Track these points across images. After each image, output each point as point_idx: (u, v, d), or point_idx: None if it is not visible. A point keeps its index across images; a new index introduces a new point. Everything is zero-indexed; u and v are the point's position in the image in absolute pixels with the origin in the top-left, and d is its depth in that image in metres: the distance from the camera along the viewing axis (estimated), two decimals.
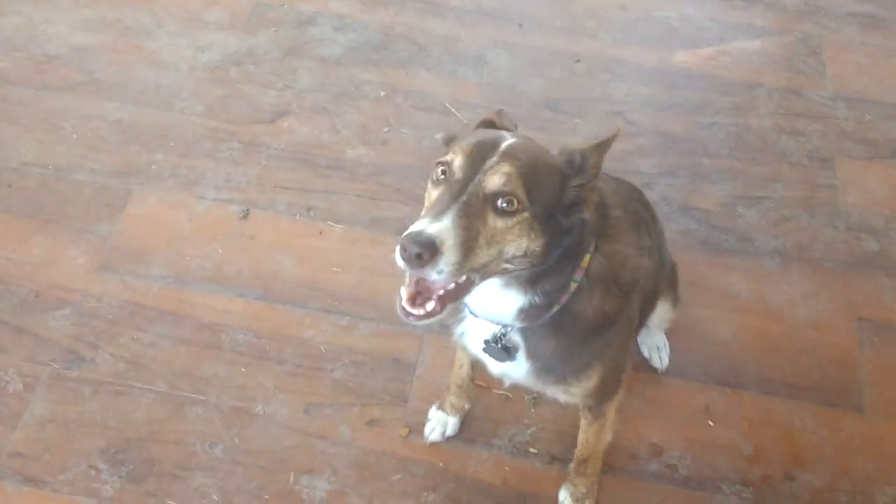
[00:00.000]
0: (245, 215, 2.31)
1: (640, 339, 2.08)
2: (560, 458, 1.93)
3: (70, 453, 1.88)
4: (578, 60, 2.77)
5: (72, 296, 2.13)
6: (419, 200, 2.35)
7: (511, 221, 1.20)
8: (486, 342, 1.45)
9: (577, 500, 1.84)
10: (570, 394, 1.58)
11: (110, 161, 2.41)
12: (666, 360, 2.07)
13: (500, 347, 1.44)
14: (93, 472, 1.86)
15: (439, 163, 1.24)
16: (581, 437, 1.78)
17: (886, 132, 2.61)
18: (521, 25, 2.87)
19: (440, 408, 1.95)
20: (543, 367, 1.48)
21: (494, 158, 1.21)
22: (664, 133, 2.58)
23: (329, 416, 1.97)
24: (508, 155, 1.21)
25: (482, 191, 1.19)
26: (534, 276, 1.30)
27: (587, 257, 1.33)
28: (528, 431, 1.97)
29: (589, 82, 2.71)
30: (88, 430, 1.92)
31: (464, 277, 1.21)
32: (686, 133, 2.58)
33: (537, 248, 1.24)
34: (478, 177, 1.19)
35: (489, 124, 1.40)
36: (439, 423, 1.94)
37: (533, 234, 1.23)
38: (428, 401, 1.99)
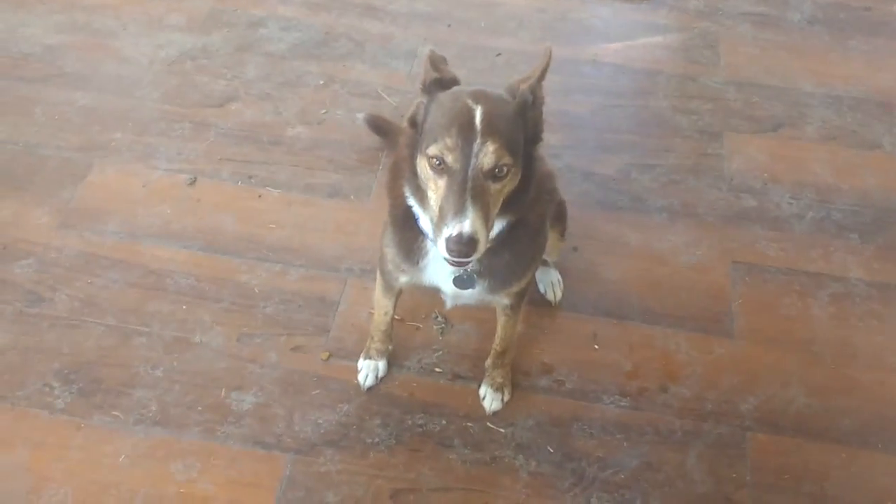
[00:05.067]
0: (192, 182, 2.60)
1: (537, 276, 2.36)
2: (462, 376, 2.19)
3: (27, 374, 2.14)
4: (499, 54, 3.09)
5: (35, 248, 2.40)
6: (348, 169, 2.68)
7: (505, 180, 1.49)
8: (458, 276, 1.71)
9: (496, 389, 2.12)
10: (509, 295, 1.87)
11: (74, 139, 2.70)
12: (559, 294, 2.34)
13: (467, 276, 1.71)
14: (47, 388, 2.11)
15: (433, 156, 1.47)
16: (500, 333, 2.06)
17: (770, 110, 2.93)
18: (449, 25, 3.20)
19: (367, 356, 2.17)
20: (496, 281, 1.76)
21: (478, 140, 1.44)
22: (571, 113, 2.89)
23: (259, 344, 2.23)
24: (487, 131, 1.44)
25: (480, 172, 1.45)
26: (509, 203, 1.56)
27: None
28: (435, 355, 2.23)
29: (508, 72, 3.02)
30: (44, 356, 2.18)
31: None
32: (591, 113, 2.90)
33: (517, 183, 1.54)
34: (472, 161, 1.44)
35: (439, 83, 1.58)
36: (371, 370, 2.17)
37: (517, 175, 1.52)
38: (348, 331, 2.26)
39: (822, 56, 3.15)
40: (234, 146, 2.72)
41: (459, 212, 1.43)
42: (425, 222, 1.64)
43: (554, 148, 2.74)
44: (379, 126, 2.64)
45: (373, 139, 2.68)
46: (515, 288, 1.86)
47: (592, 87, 3.00)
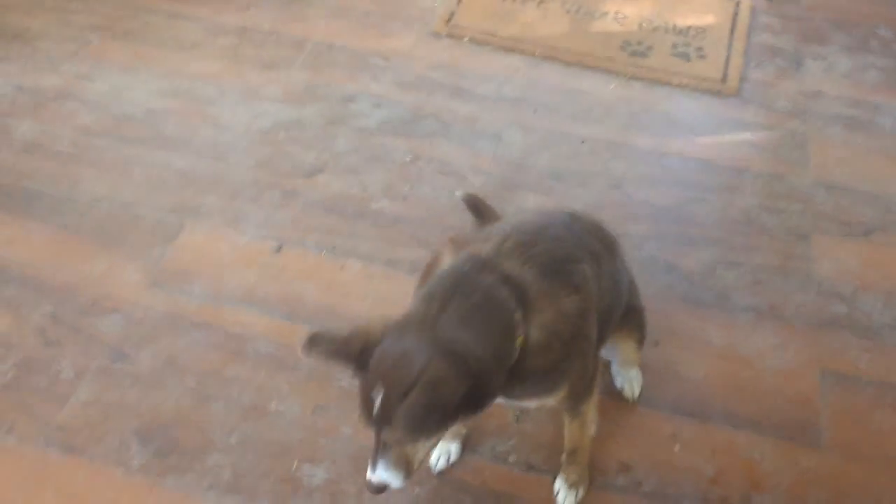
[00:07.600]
0: (278, 250, 2.65)
1: (613, 370, 2.31)
2: (536, 467, 2.14)
3: (106, 430, 2.16)
4: (584, 142, 3.11)
5: (123, 305, 2.46)
6: (430, 246, 2.69)
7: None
8: None
9: (571, 485, 2.05)
10: (557, 401, 1.79)
11: (168, 200, 2.79)
12: (637, 391, 2.29)
13: None
14: (124, 446, 2.13)
15: None
16: (566, 433, 1.99)
17: (860, 215, 2.86)
18: (535, 111, 3.24)
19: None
20: (518, 395, 1.70)
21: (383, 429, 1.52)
22: (655, 205, 2.88)
23: (333, 417, 2.22)
24: (383, 416, 1.49)
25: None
26: None
27: (520, 338, 1.52)
28: (509, 443, 2.19)
29: (591, 160, 3.04)
30: (124, 413, 2.20)
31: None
32: (676, 206, 2.88)
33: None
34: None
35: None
36: (443, 453, 2.13)
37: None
38: None
39: None
40: (319, 217, 2.77)
41: (371, 461, 1.60)
42: None
43: (636, 237, 2.72)
44: (476, 206, 2.64)
45: (455, 218, 2.70)
46: (549, 399, 1.75)
47: (677, 180, 2.99)
